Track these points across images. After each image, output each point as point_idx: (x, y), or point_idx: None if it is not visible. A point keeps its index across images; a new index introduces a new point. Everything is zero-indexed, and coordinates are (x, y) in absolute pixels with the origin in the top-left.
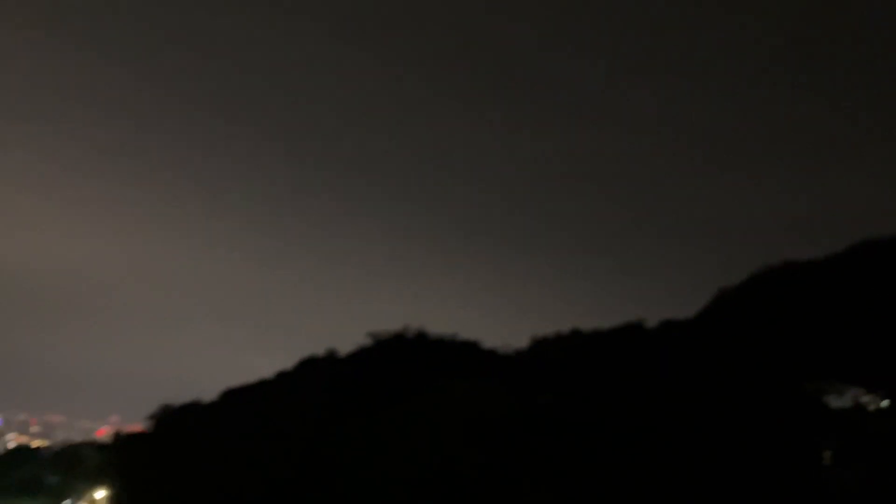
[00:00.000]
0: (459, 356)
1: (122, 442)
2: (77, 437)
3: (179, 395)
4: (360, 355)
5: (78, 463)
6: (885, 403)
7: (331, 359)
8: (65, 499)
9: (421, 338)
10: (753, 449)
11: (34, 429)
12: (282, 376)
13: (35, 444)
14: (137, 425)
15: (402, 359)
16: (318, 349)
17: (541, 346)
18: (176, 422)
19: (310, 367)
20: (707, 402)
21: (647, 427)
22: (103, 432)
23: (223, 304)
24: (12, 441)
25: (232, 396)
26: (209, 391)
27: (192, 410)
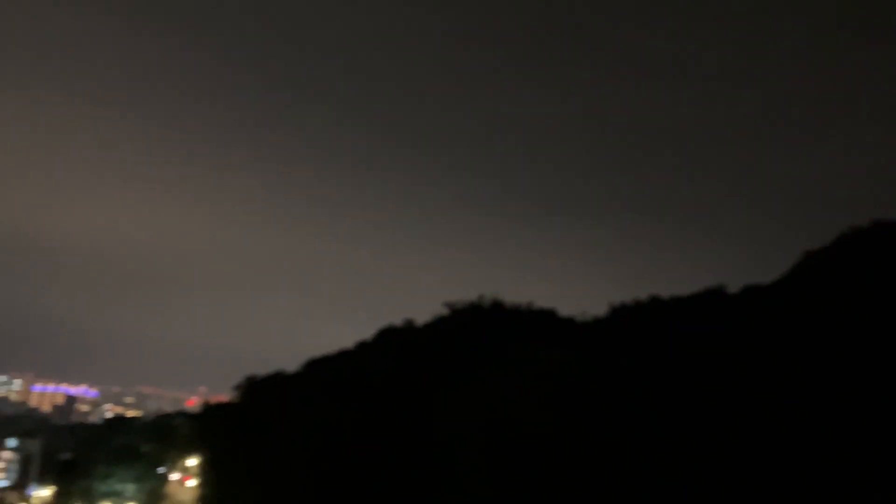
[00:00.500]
0: (536, 325)
1: (210, 411)
2: (168, 407)
3: (264, 365)
4: (436, 325)
5: (170, 432)
6: None
7: (409, 329)
8: (159, 466)
9: (497, 307)
10: (851, 427)
11: (128, 400)
12: (362, 346)
13: (130, 414)
14: (224, 395)
15: (479, 328)
16: (396, 319)
17: (619, 314)
18: (261, 391)
19: (388, 336)
20: (795, 373)
21: (730, 399)
22: (193, 402)
23: (305, 277)
24: (109, 412)
25: (314, 366)
26: (292, 361)
27: (276, 380)
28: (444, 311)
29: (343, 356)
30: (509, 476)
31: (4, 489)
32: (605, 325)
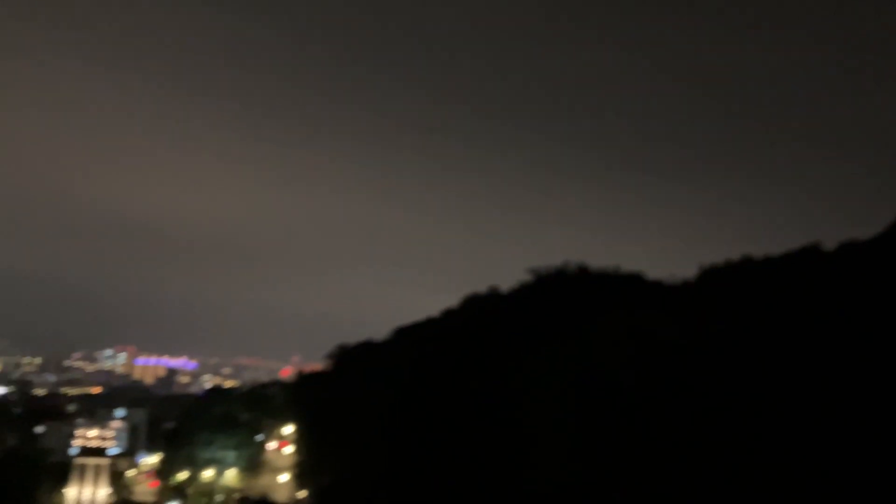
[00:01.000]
0: (623, 289)
1: (304, 380)
2: (264, 377)
3: (355, 334)
4: (521, 292)
5: (266, 401)
6: None
7: (494, 296)
8: (257, 434)
9: (582, 272)
10: None
11: (226, 370)
12: (447, 314)
13: (227, 384)
14: (317, 364)
15: (564, 294)
16: (481, 287)
17: (710, 276)
18: (351, 359)
19: (473, 303)
20: None
21: (830, 364)
22: (287, 372)
23: (393, 248)
24: (208, 382)
25: (402, 334)
26: (382, 330)
27: (366, 348)
28: (529, 278)
29: (429, 323)
30: (598, 441)
31: (116, 456)
32: (696, 288)
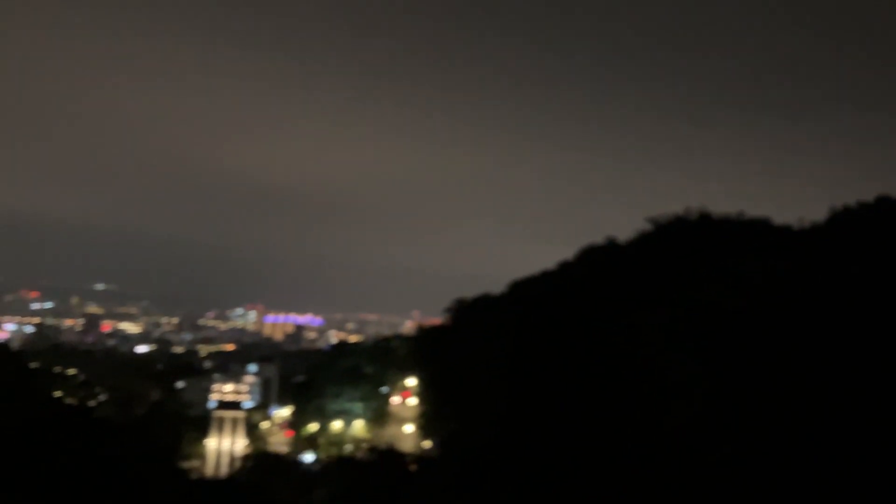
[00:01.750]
0: (748, 235)
1: (424, 334)
2: (386, 331)
3: (472, 288)
4: (640, 241)
5: (389, 354)
6: None
7: (611, 247)
8: (381, 386)
9: (704, 219)
10: None
11: (349, 326)
12: (564, 266)
13: (352, 339)
14: (436, 318)
15: (685, 242)
16: (598, 238)
17: (841, 218)
18: (469, 313)
19: (590, 255)
20: None
21: None
22: (409, 326)
23: (511, 202)
24: (333, 338)
25: (518, 287)
26: (499, 284)
27: (483, 302)
28: (648, 227)
29: (545, 277)
30: (729, 392)
31: (251, 409)
32: (826, 231)
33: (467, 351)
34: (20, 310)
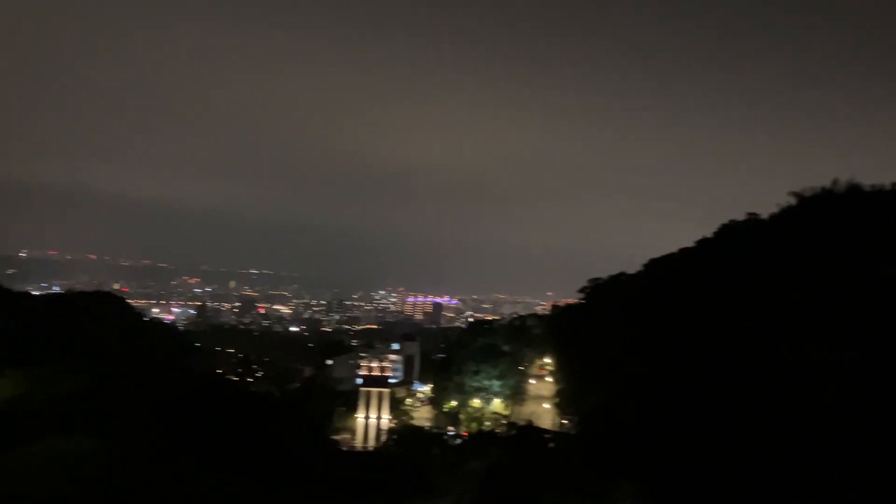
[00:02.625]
0: None
1: (559, 313)
2: (521, 311)
3: (606, 268)
4: (783, 217)
5: (525, 333)
6: None
7: (753, 223)
8: (518, 364)
9: (853, 191)
10: None
11: (485, 306)
12: (702, 244)
13: (488, 318)
14: (571, 298)
15: (833, 216)
16: (737, 214)
17: None
18: (604, 293)
19: (731, 232)
20: None
21: None
22: (543, 307)
23: (641, 179)
24: (470, 317)
25: (655, 266)
26: (632, 263)
27: (619, 281)
28: (791, 201)
29: (683, 255)
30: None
31: (395, 385)
32: None
33: (603, 329)
34: (184, 294)
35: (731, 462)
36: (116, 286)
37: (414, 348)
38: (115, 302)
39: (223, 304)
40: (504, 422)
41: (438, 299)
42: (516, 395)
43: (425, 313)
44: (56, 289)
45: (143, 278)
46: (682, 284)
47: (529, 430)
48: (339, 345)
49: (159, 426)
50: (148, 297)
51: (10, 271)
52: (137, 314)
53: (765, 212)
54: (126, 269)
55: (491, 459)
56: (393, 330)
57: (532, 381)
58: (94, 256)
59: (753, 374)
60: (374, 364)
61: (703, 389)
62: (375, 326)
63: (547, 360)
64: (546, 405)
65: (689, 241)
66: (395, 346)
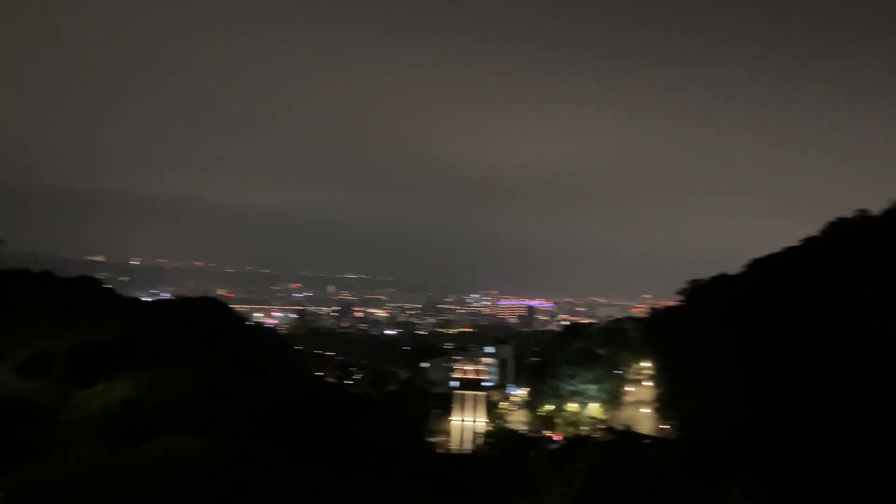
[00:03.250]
0: None
1: (658, 316)
2: (617, 314)
3: (705, 269)
4: None
5: (621, 336)
6: None
7: (863, 220)
8: (615, 368)
9: None
10: None
11: (580, 309)
12: (809, 242)
13: (584, 321)
14: (669, 301)
15: None
16: (845, 211)
17: None
18: (704, 295)
19: (839, 230)
20: None
21: None
22: (639, 309)
23: (739, 176)
24: (564, 321)
25: (758, 267)
26: (731, 263)
27: (719, 283)
28: None
29: (788, 254)
30: None
31: (489, 388)
32: None
33: (704, 332)
34: (285, 299)
35: (852, 469)
36: (221, 292)
37: (508, 352)
38: (219, 307)
39: (322, 308)
40: (601, 426)
41: (531, 302)
42: (613, 399)
43: (518, 316)
44: (165, 295)
45: (246, 284)
46: (791, 285)
47: (628, 435)
48: (433, 348)
49: (263, 427)
50: (251, 302)
51: (123, 279)
52: (241, 319)
53: (875, 208)
54: (230, 276)
55: (591, 463)
56: (486, 333)
57: (629, 385)
58: (200, 263)
59: (876, 379)
60: (469, 367)
61: (819, 393)
62: (469, 330)
63: (645, 363)
64: (644, 410)
65: (787, 240)
66: (489, 350)
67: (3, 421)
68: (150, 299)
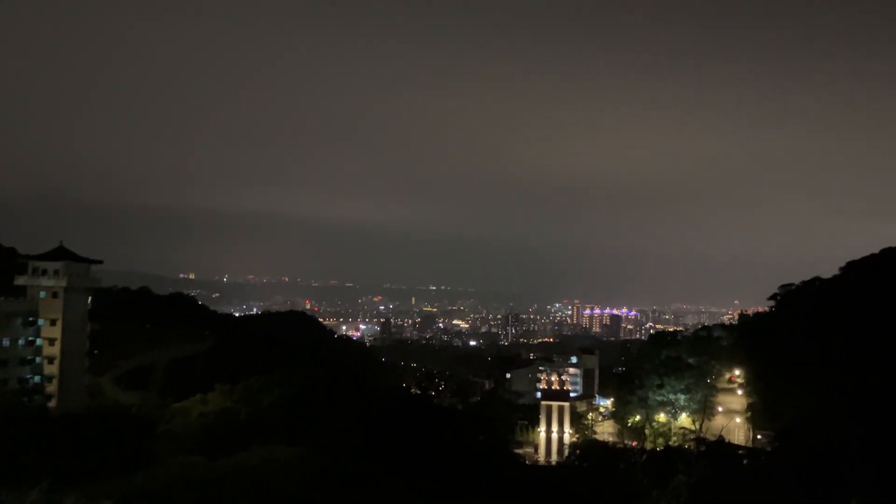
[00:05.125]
0: None
1: (748, 322)
2: (705, 321)
3: (794, 273)
4: None
5: (711, 344)
6: None
7: None
8: (705, 377)
9: None
10: None
11: (666, 317)
12: None
13: (671, 329)
14: (759, 306)
15: None
16: None
17: None
18: (798, 299)
19: None
20: None
21: None
22: (728, 316)
23: (826, 178)
24: (651, 329)
25: (855, 269)
26: (824, 266)
27: (813, 287)
28: None
29: (885, 254)
30: None
31: (575, 398)
32: None
33: (799, 339)
34: (369, 311)
35: None
36: (308, 306)
37: (593, 361)
38: (307, 320)
39: (405, 319)
40: (692, 437)
41: (616, 311)
42: (704, 409)
43: (603, 325)
44: (255, 310)
45: (331, 297)
46: (892, 286)
47: (720, 446)
48: (516, 358)
49: (352, 436)
50: (336, 315)
51: (214, 295)
52: (328, 331)
53: None
54: (315, 289)
55: (691, 476)
56: (570, 343)
57: (720, 394)
58: (287, 279)
59: None
60: (553, 377)
61: None
62: (552, 340)
63: (736, 371)
64: (737, 419)
65: (884, 241)
66: (574, 360)
67: (109, 430)
68: (240, 314)
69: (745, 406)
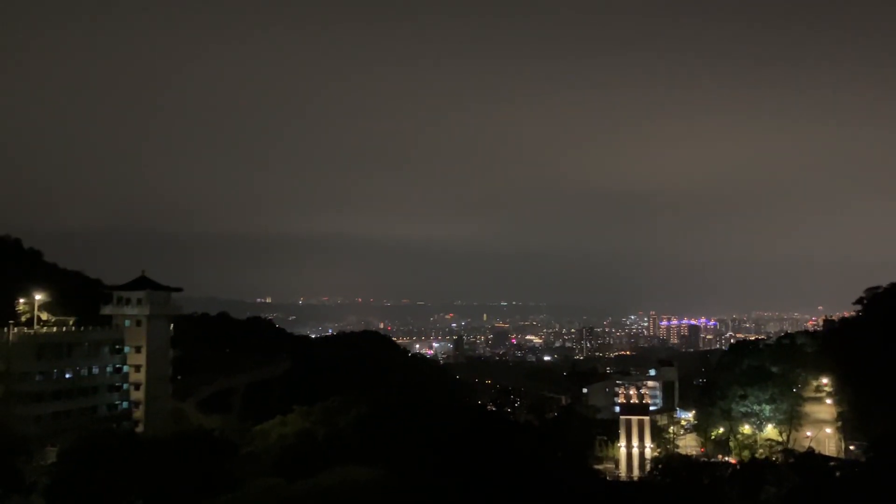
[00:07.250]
0: None
1: (835, 328)
2: (787, 328)
3: (881, 276)
4: None
5: (795, 352)
6: None
7: None
8: (790, 386)
9: None
10: None
11: (746, 325)
12: None
13: (752, 338)
14: (846, 311)
15: None
16: None
17: None
18: (886, 303)
19: None
20: None
21: None
22: (812, 323)
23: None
24: (731, 339)
25: None
26: None
27: None
28: None
29: None
30: None
31: (655, 412)
32: None
33: (891, 343)
34: (441, 329)
35: None
36: (381, 325)
37: (672, 374)
38: (380, 340)
39: (477, 336)
40: (780, 449)
41: (694, 321)
42: (791, 419)
43: (681, 336)
44: (329, 331)
45: (403, 316)
46: None
47: (809, 458)
48: (593, 372)
49: (430, 455)
50: (409, 333)
51: (291, 318)
52: (402, 351)
53: None
54: (388, 309)
55: (781, 488)
56: (647, 355)
57: (808, 404)
58: (360, 300)
59: None
60: (632, 391)
61: None
62: (628, 353)
63: (824, 380)
64: (827, 430)
65: None
66: (652, 373)
67: (193, 454)
68: (315, 335)
69: (836, 415)
